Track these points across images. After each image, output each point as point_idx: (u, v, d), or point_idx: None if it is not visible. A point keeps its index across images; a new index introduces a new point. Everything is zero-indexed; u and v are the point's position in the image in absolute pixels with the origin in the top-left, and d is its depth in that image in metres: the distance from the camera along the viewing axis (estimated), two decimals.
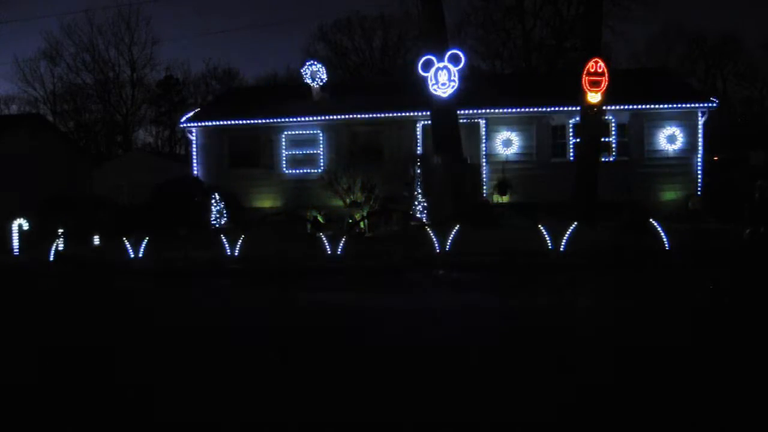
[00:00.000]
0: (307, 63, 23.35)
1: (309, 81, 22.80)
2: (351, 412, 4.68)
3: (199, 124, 22.64)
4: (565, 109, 19.92)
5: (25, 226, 15.91)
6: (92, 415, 4.77)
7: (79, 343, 7.00)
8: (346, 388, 5.18)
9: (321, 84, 22.81)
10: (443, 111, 18.22)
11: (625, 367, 5.51)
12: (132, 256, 14.27)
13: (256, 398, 4.98)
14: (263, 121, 21.88)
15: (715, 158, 27.08)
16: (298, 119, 21.75)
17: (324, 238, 13.55)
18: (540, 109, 20.62)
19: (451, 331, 7.13)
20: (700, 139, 20.36)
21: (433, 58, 17.87)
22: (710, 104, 20.35)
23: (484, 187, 20.58)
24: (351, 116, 21.30)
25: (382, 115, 21.13)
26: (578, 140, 18.93)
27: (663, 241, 12.40)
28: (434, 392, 5.00)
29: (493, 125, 20.94)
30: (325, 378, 5.43)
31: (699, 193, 20.11)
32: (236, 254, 13.69)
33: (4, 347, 7.01)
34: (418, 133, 21.12)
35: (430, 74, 17.89)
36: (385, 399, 4.89)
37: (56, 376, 5.74)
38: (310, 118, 21.65)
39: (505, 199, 20.25)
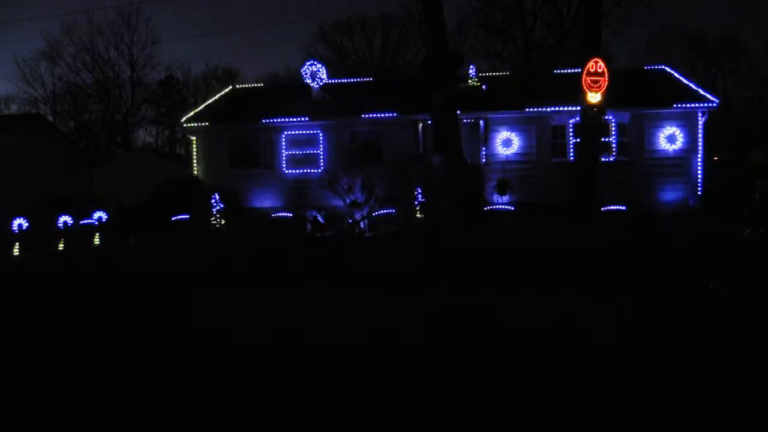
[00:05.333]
0: (307, 63, 23.33)
1: (309, 81, 22.79)
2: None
3: (200, 124, 22.67)
4: (565, 109, 19.93)
5: (25, 225, 15.94)
6: None
7: None
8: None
9: (321, 84, 22.81)
10: (444, 111, 18.23)
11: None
12: (132, 255, 14.30)
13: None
14: (263, 121, 21.89)
15: (715, 158, 27.12)
16: (298, 119, 21.76)
17: (323, 239, 13.57)
18: (540, 109, 20.62)
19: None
20: (700, 139, 20.37)
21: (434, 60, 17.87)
22: (710, 104, 20.35)
23: (484, 187, 20.58)
24: (351, 116, 21.32)
25: (382, 115, 21.15)
26: (578, 140, 18.96)
27: (662, 241, 12.41)
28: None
29: (493, 125, 20.95)
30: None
31: (699, 192, 20.12)
32: (236, 255, 13.70)
33: None
34: (418, 133, 21.13)
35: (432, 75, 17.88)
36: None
37: None
38: (310, 118, 21.66)
39: (505, 199, 20.26)
